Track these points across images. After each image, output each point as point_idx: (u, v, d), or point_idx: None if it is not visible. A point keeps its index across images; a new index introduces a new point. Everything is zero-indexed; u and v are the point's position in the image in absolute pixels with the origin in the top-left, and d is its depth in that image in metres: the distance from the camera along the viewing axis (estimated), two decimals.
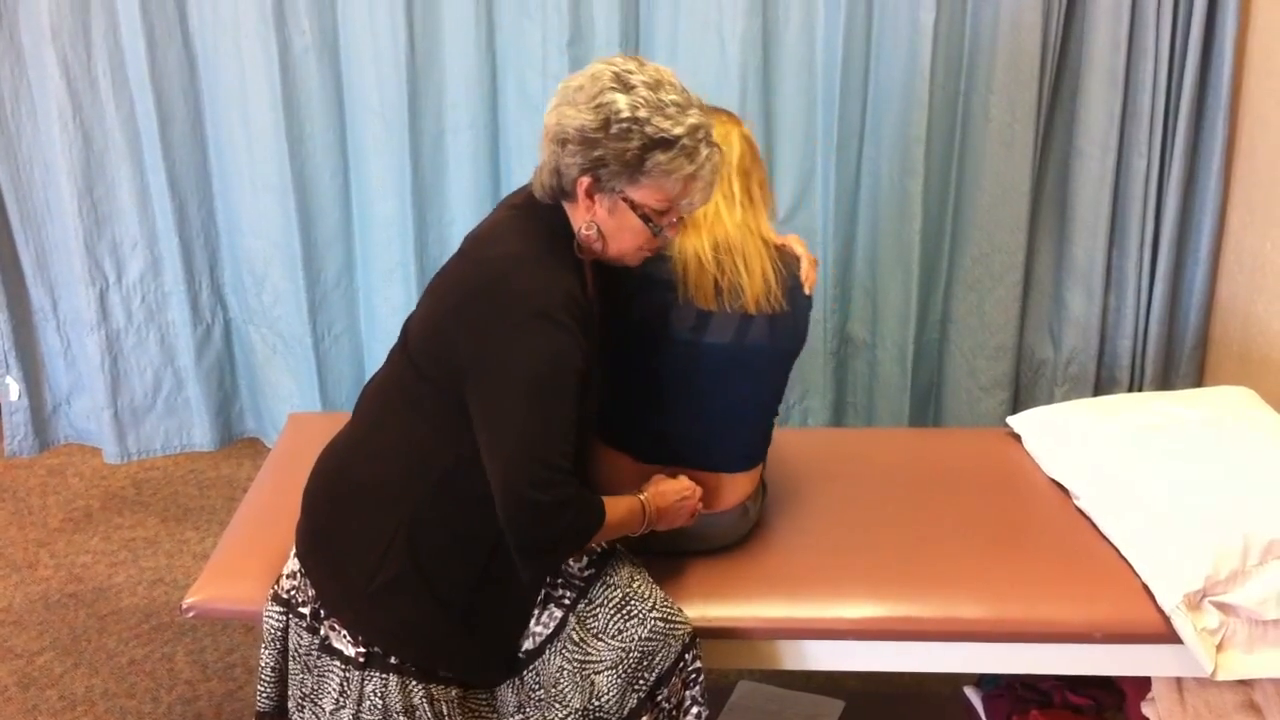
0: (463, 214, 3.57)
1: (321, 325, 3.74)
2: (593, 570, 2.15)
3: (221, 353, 3.86)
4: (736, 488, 2.38)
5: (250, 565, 2.36)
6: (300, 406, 3.80)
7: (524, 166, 3.51)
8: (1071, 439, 2.72)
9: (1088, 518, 2.52)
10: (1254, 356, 3.32)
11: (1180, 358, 3.62)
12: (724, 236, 2.23)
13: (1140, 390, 3.63)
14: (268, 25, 3.36)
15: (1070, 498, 2.61)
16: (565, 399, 1.92)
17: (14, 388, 3.78)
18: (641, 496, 2.15)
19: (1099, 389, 3.68)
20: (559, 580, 2.15)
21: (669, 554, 2.34)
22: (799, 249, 2.38)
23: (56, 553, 3.76)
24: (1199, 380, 3.62)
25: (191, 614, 2.34)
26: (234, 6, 3.39)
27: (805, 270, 2.34)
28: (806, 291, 2.33)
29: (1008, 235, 3.52)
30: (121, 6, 3.38)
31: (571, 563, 2.16)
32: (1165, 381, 3.64)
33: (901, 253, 3.53)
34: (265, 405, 3.94)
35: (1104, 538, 2.44)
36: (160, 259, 3.69)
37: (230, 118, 3.54)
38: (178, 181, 3.59)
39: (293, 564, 2.16)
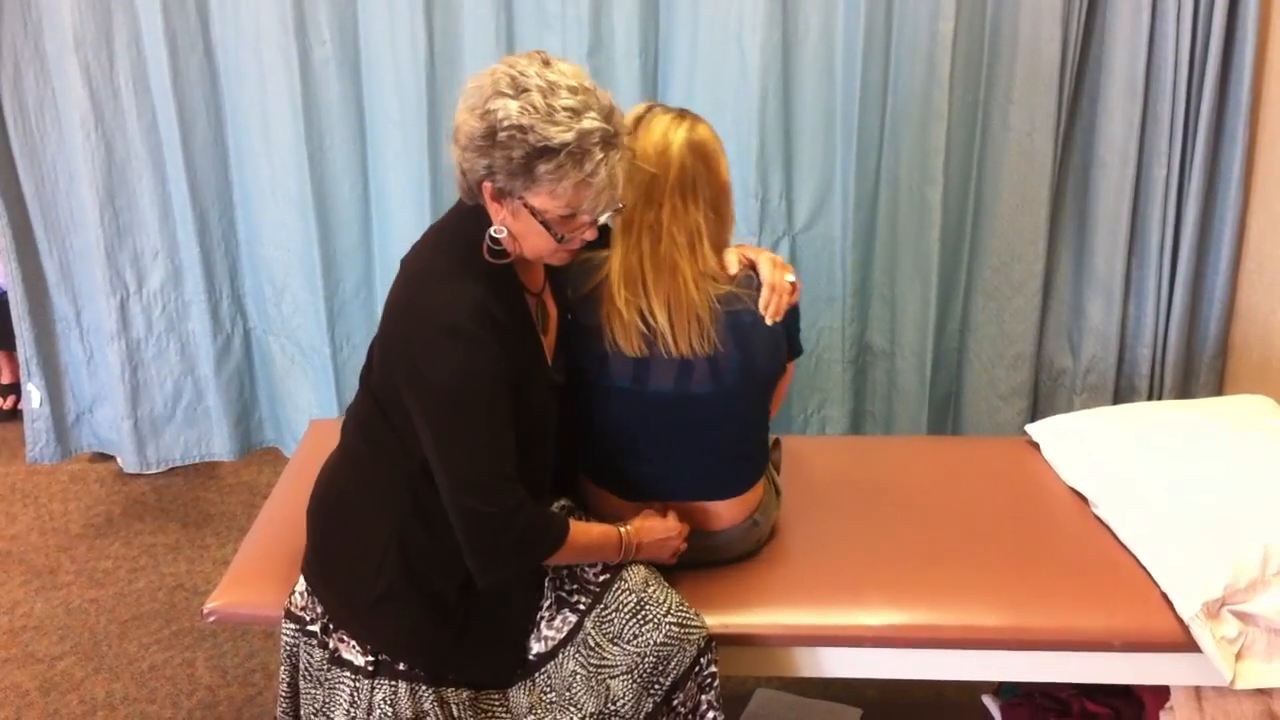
0: None
1: (340, 335, 3.74)
2: (608, 575, 2.16)
3: (241, 362, 3.87)
4: (732, 510, 2.36)
5: (270, 571, 2.37)
6: (318, 416, 3.81)
7: None
8: (1090, 447, 2.72)
9: (1106, 526, 2.52)
10: (1274, 365, 3.31)
11: (1200, 366, 3.60)
12: (643, 278, 2.14)
13: (1160, 399, 3.62)
14: (288, 35, 3.37)
15: (1089, 506, 2.61)
16: (492, 408, 1.94)
17: (35, 394, 3.79)
18: (623, 529, 2.17)
19: (1118, 398, 3.67)
20: (574, 585, 2.16)
21: (683, 566, 2.34)
22: (766, 271, 2.21)
23: (77, 558, 3.78)
24: (1219, 389, 3.61)
25: (212, 619, 2.35)
26: (255, 16, 3.41)
27: (765, 299, 2.18)
28: (769, 322, 2.18)
29: (1027, 244, 3.51)
30: (144, 16, 3.40)
31: (586, 568, 2.17)
32: (1185, 390, 3.63)
33: (920, 262, 3.53)
34: (284, 415, 3.95)
35: (1123, 546, 2.44)
36: (181, 269, 3.70)
37: (251, 128, 3.56)
38: (198, 191, 3.60)
39: (302, 582, 2.19)
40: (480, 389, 1.93)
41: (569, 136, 1.85)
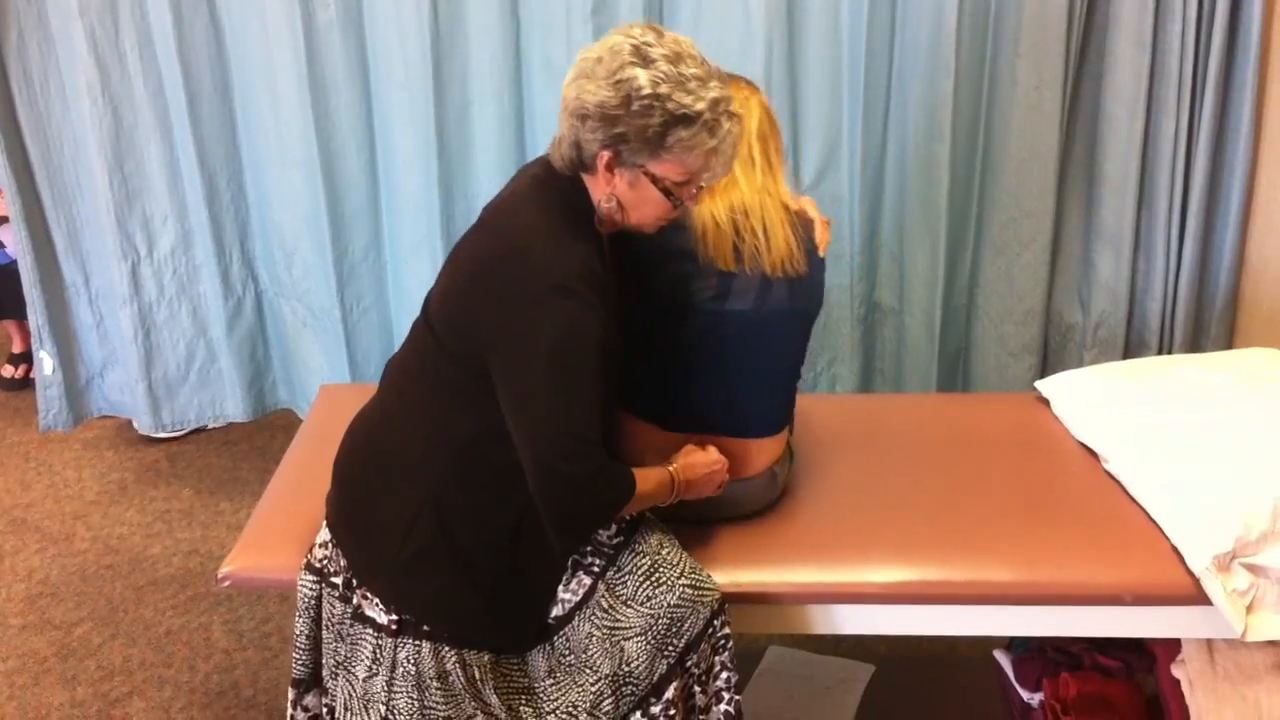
0: (489, 186, 3.57)
1: (350, 298, 3.75)
2: (621, 538, 2.17)
3: (253, 325, 3.89)
4: (764, 453, 2.39)
5: (284, 535, 2.38)
6: (330, 379, 3.82)
7: (549, 137, 3.48)
8: (1100, 403, 2.72)
9: (1117, 481, 2.52)
10: None
11: (1210, 320, 3.60)
12: (740, 200, 2.23)
13: (1170, 353, 3.62)
14: None
15: (1099, 461, 2.61)
16: (588, 370, 1.92)
17: (48, 362, 3.81)
18: (671, 468, 2.15)
19: (1128, 352, 3.66)
20: (588, 549, 2.16)
21: (699, 522, 2.36)
22: (812, 211, 2.38)
23: (93, 525, 3.80)
24: (1229, 342, 3.60)
25: (227, 584, 2.36)
26: None
27: (819, 233, 2.35)
28: (820, 254, 2.35)
29: (1035, 199, 3.50)
30: None
31: (600, 531, 2.17)
32: (1195, 344, 3.62)
33: (929, 218, 3.52)
34: (297, 377, 3.96)
35: (1133, 500, 2.44)
36: (191, 232, 3.71)
37: (257, 92, 3.55)
38: (207, 156, 3.61)
39: (325, 534, 2.19)
40: (588, 349, 1.92)
41: (703, 106, 1.88)
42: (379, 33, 3.45)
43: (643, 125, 1.88)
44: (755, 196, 2.24)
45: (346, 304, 3.75)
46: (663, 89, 1.86)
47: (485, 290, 1.96)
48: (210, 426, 4.35)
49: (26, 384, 4.79)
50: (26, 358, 4.83)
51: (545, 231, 1.97)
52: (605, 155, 1.94)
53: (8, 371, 4.87)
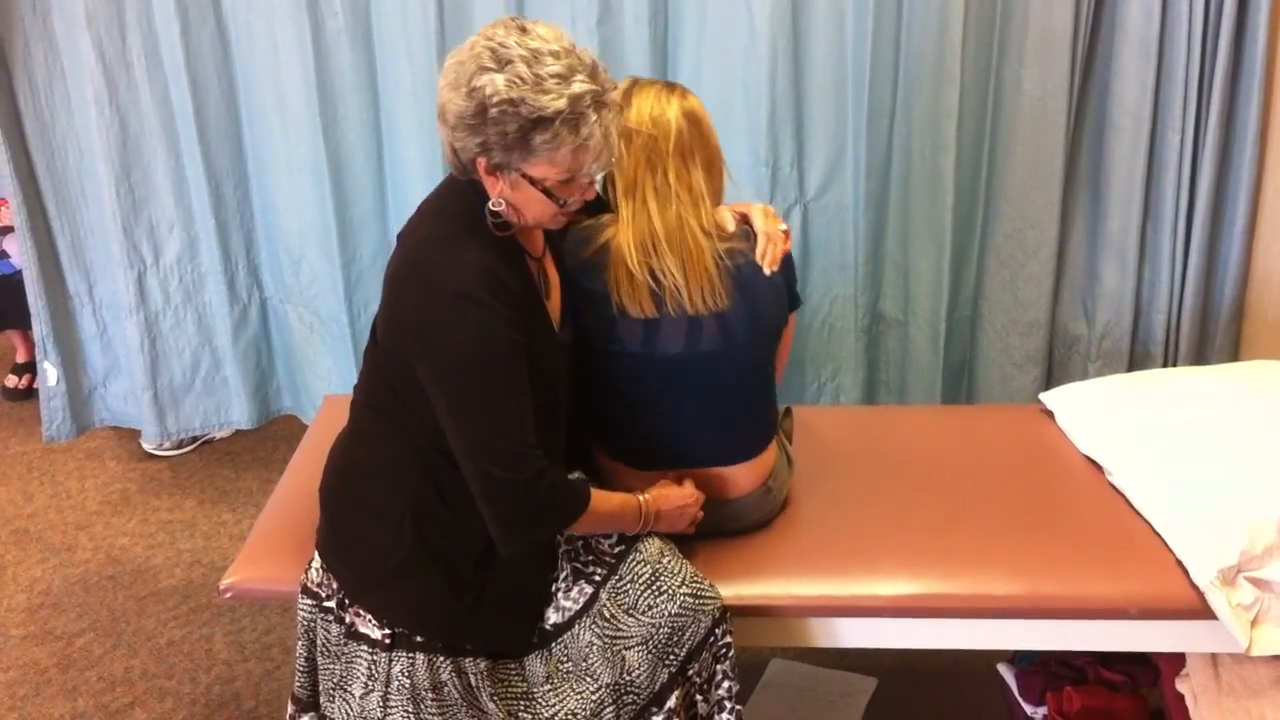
0: None
1: (357, 304, 3.75)
2: (623, 546, 2.16)
3: (258, 332, 3.89)
4: (747, 475, 2.37)
5: (287, 546, 2.38)
6: (337, 384, 3.83)
7: None
8: (1105, 415, 2.71)
9: (1121, 494, 2.51)
10: None
11: (1215, 331, 3.59)
12: (650, 231, 2.17)
13: (1175, 364, 3.61)
14: (300, 7, 3.36)
15: (1104, 474, 2.60)
16: (509, 373, 1.93)
17: (52, 373, 3.81)
18: (641, 497, 2.16)
19: (1133, 364, 3.65)
20: (590, 557, 2.16)
21: (698, 535, 2.34)
22: (759, 221, 2.27)
23: (95, 535, 3.80)
24: (1235, 353, 3.59)
25: (229, 595, 2.36)
26: None
27: (762, 248, 2.23)
28: (767, 271, 2.23)
29: (1040, 210, 3.49)
30: None
31: (602, 539, 2.17)
32: (1200, 355, 3.61)
33: (933, 229, 3.51)
34: (303, 383, 3.97)
35: (1138, 514, 2.44)
36: (197, 240, 3.72)
37: (264, 100, 3.56)
38: (213, 164, 3.61)
39: (318, 559, 2.20)
40: (496, 353, 1.92)
41: (562, 104, 1.84)
42: (386, 41, 3.45)
43: (501, 132, 1.86)
44: (668, 227, 2.17)
45: (354, 309, 3.75)
46: (516, 93, 1.82)
47: (400, 310, 1.98)
48: (216, 437, 4.36)
49: (30, 394, 4.78)
50: (30, 368, 4.83)
51: (440, 242, 1.97)
52: (481, 162, 1.93)
53: (11, 381, 4.87)
